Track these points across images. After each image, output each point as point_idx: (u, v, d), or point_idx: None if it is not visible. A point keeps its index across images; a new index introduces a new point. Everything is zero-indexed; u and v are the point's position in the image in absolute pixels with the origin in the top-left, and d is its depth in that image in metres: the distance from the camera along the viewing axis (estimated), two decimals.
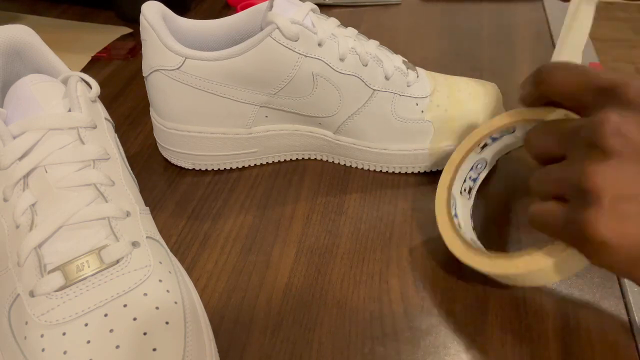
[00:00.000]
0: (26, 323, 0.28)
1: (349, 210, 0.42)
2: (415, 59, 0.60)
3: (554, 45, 0.61)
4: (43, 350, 0.27)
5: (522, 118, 0.35)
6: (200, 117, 0.43)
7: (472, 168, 0.38)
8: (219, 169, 0.45)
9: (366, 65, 0.42)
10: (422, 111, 0.43)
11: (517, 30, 0.66)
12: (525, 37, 0.64)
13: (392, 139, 0.44)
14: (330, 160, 0.46)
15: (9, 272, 0.30)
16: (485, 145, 0.38)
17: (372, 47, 0.43)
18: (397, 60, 0.44)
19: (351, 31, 0.43)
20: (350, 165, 0.46)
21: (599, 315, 0.34)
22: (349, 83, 0.42)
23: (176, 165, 0.46)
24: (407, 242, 0.39)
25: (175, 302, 0.30)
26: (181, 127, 0.43)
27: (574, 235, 0.27)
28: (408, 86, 0.43)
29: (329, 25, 0.42)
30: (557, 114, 0.32)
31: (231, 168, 0.46)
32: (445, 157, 0.44)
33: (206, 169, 0.45)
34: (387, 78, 0.42)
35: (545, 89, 0.32)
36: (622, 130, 0.26)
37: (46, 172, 0.31)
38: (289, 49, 0.40)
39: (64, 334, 0.27)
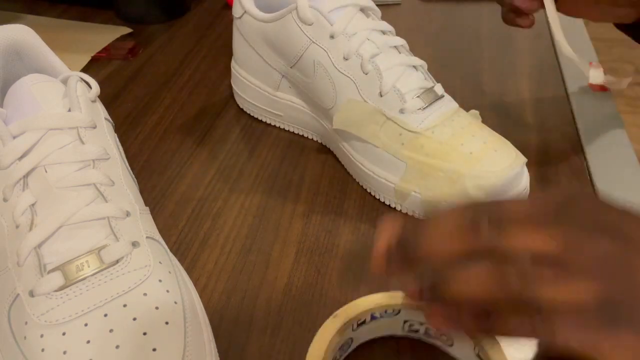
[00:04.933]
0: (26, 323, 0.28)
1: (349, 210, 0.42)
2: None
3: (553, 45, 0.61)
4: (43, 350, 0.27)
5: (409, 302, 0.30)
6: (247, 66, 0.49)
7: (339, 348, 0.30)
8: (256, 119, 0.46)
9: (366, 74, 0.40)
10: (402, 144, 0.39)
11: (517, 30, 0.66)
12: (525, 37, 0.64)
13: (370, 159, 0.41)
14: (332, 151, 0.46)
15: (8, 272, 0.30)
16: (362, 323, 0.31)
17: (392, 60, 0.41)
18: (412, 84, 0.40)
19: (384, 39, 0.41)
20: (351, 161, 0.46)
21: None
22: (344, 83, 0.41)
23: (176, 165, 0.46)
24: None
25: (175, 302, 0.30)
26: (240, 72, 0.50)
27: None
28: (401, 112, 0.40)
29: (357, 22, 0.41)
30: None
31: (265, 122, 0.50)
32: (411, 202, 0.39)
33: (252, 116, 0.51)
34: (380, 95, 0.40)
35: None
36: None
37: (46, 172, 0.31)
38: (301, 30, 0.42)
39: (63, 334, 0.27)
